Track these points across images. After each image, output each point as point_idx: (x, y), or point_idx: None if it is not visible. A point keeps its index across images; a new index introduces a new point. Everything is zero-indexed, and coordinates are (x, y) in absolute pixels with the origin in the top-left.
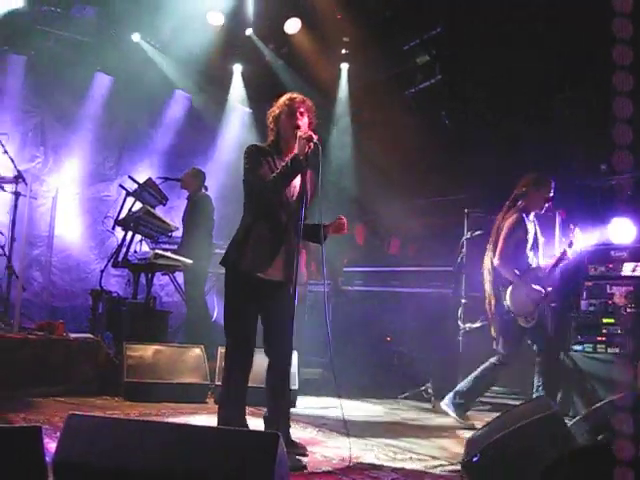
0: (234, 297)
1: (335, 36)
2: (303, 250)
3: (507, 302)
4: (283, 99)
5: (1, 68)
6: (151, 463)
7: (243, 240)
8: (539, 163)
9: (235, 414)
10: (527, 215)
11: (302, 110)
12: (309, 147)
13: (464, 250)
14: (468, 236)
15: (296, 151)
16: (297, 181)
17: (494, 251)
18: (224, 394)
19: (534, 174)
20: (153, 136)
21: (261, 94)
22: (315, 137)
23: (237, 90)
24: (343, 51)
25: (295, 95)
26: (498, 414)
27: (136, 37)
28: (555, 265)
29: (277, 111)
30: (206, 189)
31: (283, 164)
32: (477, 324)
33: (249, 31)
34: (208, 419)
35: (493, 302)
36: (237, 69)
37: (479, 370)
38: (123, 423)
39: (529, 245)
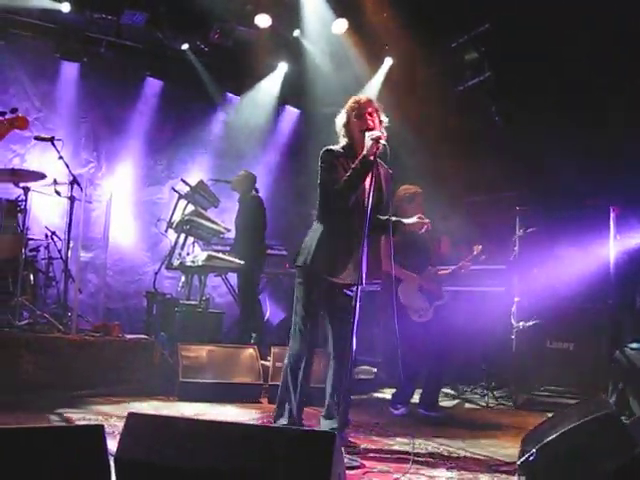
0: (305, 297)
1: (382, 35)
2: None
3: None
4: (350, 103)
5: (55, 76)
6: (208, 462)
7: (317, 242)
8: (593, 157)
9: (295, 413)
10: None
11: (370, 111)
12: (377, 147)
13: (516, 248)
14: (520, 234)
15: (365, 152)
16: (367, 183)
17: None
18: (285, 392)
19: (407, 188)
20: (203, 138)
21: (309, 95)
22: (384, 137)
23: (285, 90)
24: (389, 49)
25: (361, 97)
26: (554, 413)
27: (185, 46)
28: (451, 274)
29: (345, 116)
30: (257, 191)
31: (353, 166)
32: (530, 322)
33: (297, 32)
34: (262, 418)
35: None
36: (282, 69)
37: None
38: (181, 422)
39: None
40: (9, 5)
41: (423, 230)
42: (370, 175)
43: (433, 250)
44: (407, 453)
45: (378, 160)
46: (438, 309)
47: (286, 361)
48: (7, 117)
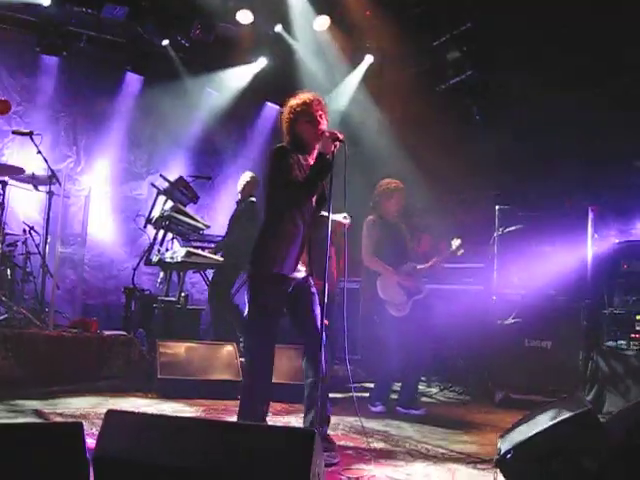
0: (261, 296)
1: (364, 33)
2: (332, 248)
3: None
4: (296, 103)
5: (34, 69)
6: (187, 460)
7: (269, 241)
8: (571, 159)
9: (259, 410)
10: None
11: (321, 113)
12: (335, 146)
13: (495, 247)
14: (499, 233)
15: (322, 151)
16: None
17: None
18: (248, 389)
19: (388, 183)
20: (183, 134)
21: (288, 91)
22: (341, 136)
23: (265, 86)
24: (371, 47)
25: (307, 97)
26: (531, 411)
27: (165, 41)
28: (431, 267)
29: (292, 116)
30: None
31: (312, 165)
32: (508, 321)
33: (278, 27)
34: None
35: None
36: (261, 64)
37: None
38: (161, 420)
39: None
40: None
41: (345, 228)
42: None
43: (412, 246)
44: (385, 450)
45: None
46: (416, 304)
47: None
48: None
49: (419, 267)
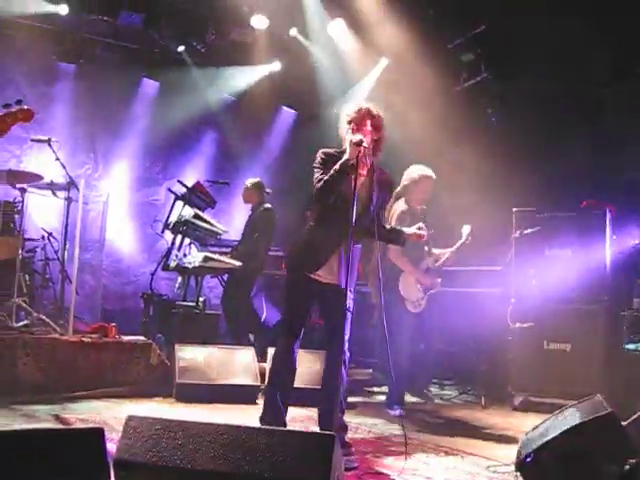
0: (290, 296)
1: (378, 36)
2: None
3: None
4: (351, 109)
5: (51, 76)
6: (207, 464)
7: (302, 242)
8: (587, 158)
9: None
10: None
11: (364, 122)
12: (359, 151)
13: (513, 249)
14: (517, 235)
15: (346, 156)
16: (364, 188)
17: None
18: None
19: (415, 170)
20: (200, 139)
21: (304, 96)
22: (365, 141)
23: (281, 91)
24: (385, 50)
25: (362, 106)
26: (551, 414)
27: (181, 47)
28: (445, 262)
29: (344, 122)
30: (268, 194)
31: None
32: (527, 324)
33: (293, 31)
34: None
35: None
36: (276, 68)
37: None
38: (181, 424)
39: None
40: (7, 11)
41: (423, 240)
42: (357, 178)
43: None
44: (404, 454)
45: (377, 166)
46: (431, 299)
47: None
48: (12, 109)
49: (437, 264)
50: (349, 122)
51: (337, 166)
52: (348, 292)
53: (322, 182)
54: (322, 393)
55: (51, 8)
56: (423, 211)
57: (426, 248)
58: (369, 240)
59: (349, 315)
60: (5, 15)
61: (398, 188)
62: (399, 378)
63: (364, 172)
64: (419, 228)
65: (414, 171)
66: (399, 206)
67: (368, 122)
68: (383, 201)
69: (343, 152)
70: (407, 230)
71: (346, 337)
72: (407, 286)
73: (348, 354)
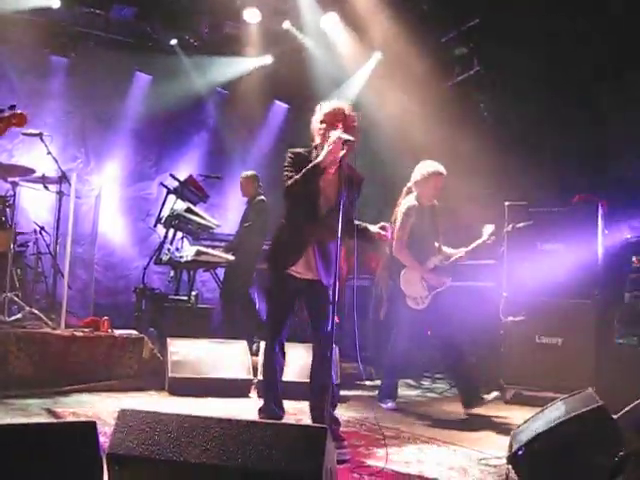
0: (271, 294)
1: (371, 30)
2: (342, 245)
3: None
4: (320, 113)
5: (43, 70)
6: (199, 457)
7: (275, 240)
8: (580, 153)
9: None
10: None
11: (336, 122)
12: (343, 149)
13: (505, 243)
14: (509, 229)
15: (320, 158)
16: (332, 186)
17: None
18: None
19: (426, 166)
20: (193, 133)
21: (297, 90)
22: (340, 140)
23: (273, 85)
24: (379, 44)
25: (333, 107)
26: (542, 407)
27: (174, 40)
28: (459, 259)
29: (316, 122)
30: (261, 188)
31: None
32: (518, 317)
33: (286, 24)
34: (252, 413)
35: None
36: (268, 61)
37: None
38: (174, 418)
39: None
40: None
41: (385, 239)
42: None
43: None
44: (397, 447)
45: (349, 164)
46: (436, 297)
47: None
48: (5, 114)
49: (451, 259)
50: (322, 122)
51: (309, 168)
52: (327, 286)
53: (292, 181)
54: (311, 387)
55: (43, 2)
56: (434, 207)
57: (437, 244)
58: (349, 237)
59: (331, 308)
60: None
61: (409, 183)
62: (391, 372)
63: (332, 170)
64: (382, 227)
65: (425, 167)
66: (408, 201)
67: (340, 124)
68: (353, 198)
69: (311, 151)
70: (371, 228)
71: (329, 329)
72: (408, 281)
73: (336, 348)
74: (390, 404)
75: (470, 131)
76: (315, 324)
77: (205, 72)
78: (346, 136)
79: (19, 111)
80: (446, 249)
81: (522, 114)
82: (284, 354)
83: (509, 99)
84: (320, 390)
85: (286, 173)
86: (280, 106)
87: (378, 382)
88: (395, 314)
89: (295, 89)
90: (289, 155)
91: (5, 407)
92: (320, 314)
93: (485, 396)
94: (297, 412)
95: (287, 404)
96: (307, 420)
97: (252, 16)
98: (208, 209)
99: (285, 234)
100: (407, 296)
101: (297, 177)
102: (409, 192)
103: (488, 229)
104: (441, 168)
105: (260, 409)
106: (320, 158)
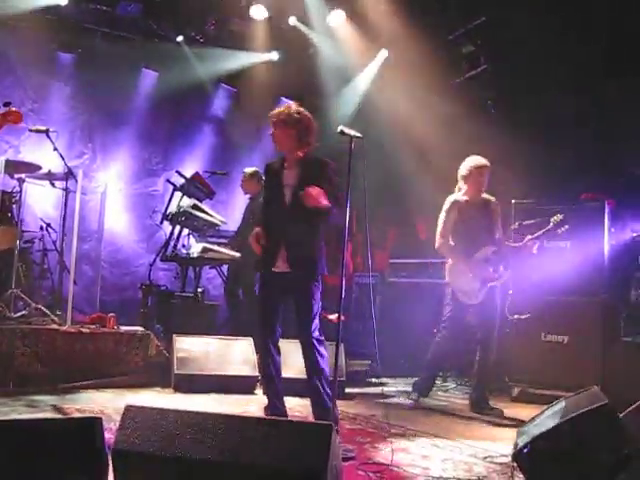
0: (259, 294)
1: (378, 27)
2: (349, 242)
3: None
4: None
5: (49, 67)
6: (204, 454)
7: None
8: (587, 151)
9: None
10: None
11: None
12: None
13: (511, 240)
14: (516, 226)
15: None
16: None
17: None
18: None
19: (470, 160)
20: (199, 130)
21: (303, 87)
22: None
23: (279, 82)
24: (385, 42)
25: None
26: (548, 405)
27: (180, 37)
28: (521, 248)
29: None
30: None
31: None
32: (525, 315)
33: (292, 20)
34: (257, 410)
35: None
36: (275, 58)
37: None
38: (179, 414)
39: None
40: (10, 7)
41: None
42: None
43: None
44: (403, 444)
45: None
46: (492, 290)
47: None
48: (0, 111)
49: (512, 246)
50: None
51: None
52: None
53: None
54: (307, 383)
55: (51, 1)
56: (488, 202)
57: (497, 235)
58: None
59: (307, 295)
60: (8, 13)
61: (459, 180)
62: (431, 367)
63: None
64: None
65: (468, 162)
66: (452, 197)
67: (272, 123)
68: (316, 177)
69: (284, 161)
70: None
71: (310, 318)
72: (454, 274)
73: (318, 335)
74: (411, 399)
75: (477, 129)
76: (296, 315)
77: (211, 69)
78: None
79: (14, 108)
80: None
81: (530, 111)
82: (279, 351)
83: (516, 97)
84: (314, 382)
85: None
86: (286, 103)
87: (384, 379)
88: (442, 309)
89: (301, 86)
90: (264, 169)
91: (11, 403)
92: (299, 304)
93: (494, 407)
94: (303, 409)
95: (293, 401)
96: (311, 417)
97: (259, 13)
98: (214, 206)
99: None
100: (457, 290)
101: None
102: (459, 189)
103: (557, 218)
104: (483, 160)
105: (265, 407)
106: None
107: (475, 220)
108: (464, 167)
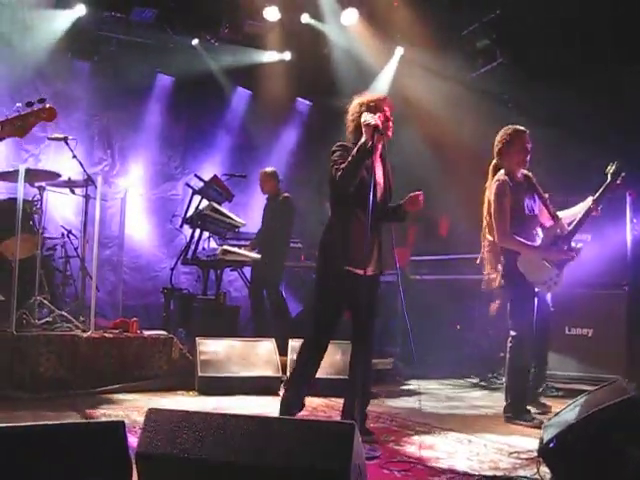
0: (326, 292)
1: (393, 25)
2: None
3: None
4: (356, 104)
5: (66, 74)
6: (228, 455)
7: (333, 237)
8: (606, 141)
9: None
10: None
11: (381, 108)
12: (371, 136)
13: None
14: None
15: (363, 139)
16: (380, 178)
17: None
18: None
19: (506, 129)
20: (216, 133)
21: (319, 87)
22: (377, 122)
23: (295, 83)
24: (401, 39)
25: (376, 96)
26: (574, 399)
27: (195, 41)
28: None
29: (355, 115)
30: (281, 182)
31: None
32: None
33: (305, 17)
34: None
35: None
36: (288, 58)
37: None
38: (202, 416)
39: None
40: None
41: (419, 206)
42: (381, 166)
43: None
44: (428, 442)
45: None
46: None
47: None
48: (35, 108)
49: (576, 220)
50: (366, 110)
51: (354, 151)
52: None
53: (342, 170)
54: (362, 387)
55: (73, 15)
56: (529, 178)
57: (547, 212)
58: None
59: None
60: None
61: (495, 160)
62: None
63: (377, 158)
64: (413, 194)
65: (502, 133)
66: (496, 179)
67: (386, 107)
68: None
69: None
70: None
71: (375, 323)
72: (529, 266)
73: None
74: (524, 418)
75: (494, 123)
76: (363, 321)
77: (227, 71)
78: (370, 120)
79: (48, 105)
80: (564, 212)
81: (547, 105)
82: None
83: (533, 90)
84: (357, 391)
85: (334, 166)
86: (303, 103)
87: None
88: (514, 307)
89: (317, 86)
90: (337, 147)
91: (36, 408)
92: (371, 310)
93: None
94: (327, 409)
95: (316, 401)
96: (337, 417)
97: (272, 14)
98: (233, 208)
99: (352, 230)
100: (534, 283)
101: (345, 165)
102: (496, 169)
103: (611, 169)
104: (520, 127)
105: (285, 392)
106: (363, 139)
107: (528, 199)
108: (500, 139)
